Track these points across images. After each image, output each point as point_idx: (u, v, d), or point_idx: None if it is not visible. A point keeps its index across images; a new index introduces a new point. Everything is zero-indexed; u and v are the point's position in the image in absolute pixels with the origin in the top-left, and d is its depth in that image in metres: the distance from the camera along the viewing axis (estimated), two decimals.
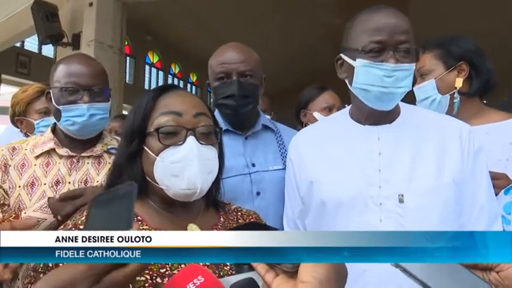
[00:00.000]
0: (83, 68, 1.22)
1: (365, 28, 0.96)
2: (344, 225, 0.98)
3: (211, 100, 1.42)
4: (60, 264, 0.62)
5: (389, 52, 0.94)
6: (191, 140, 0.76)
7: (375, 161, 1.00)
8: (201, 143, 0.77)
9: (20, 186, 1.18)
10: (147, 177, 0.80)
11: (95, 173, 1.25)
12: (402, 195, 0.96)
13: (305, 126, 1.93)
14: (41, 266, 0.66)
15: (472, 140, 1.04)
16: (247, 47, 1.39)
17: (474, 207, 1.00)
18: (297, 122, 2.08)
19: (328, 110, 1.95)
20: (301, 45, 9.26)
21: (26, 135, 1.82)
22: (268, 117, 2.51)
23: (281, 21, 8.93)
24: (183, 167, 0.75)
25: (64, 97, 1.20)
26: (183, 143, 0.76)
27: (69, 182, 1.21)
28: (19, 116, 1.83)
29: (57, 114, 1.23)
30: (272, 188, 1.28)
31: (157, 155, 0.76)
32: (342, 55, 1.02)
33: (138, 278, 0.64)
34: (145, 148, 0.78)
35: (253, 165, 1.34)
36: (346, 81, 1.03)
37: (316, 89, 2.04)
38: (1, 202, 1.17)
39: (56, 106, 1.21)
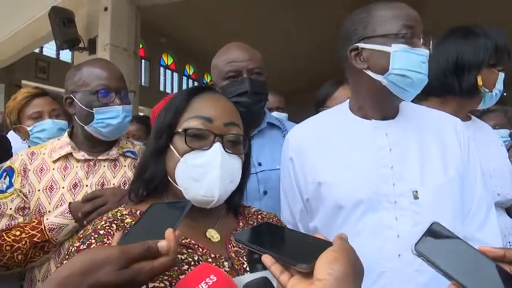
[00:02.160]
0: (110, 72, 1.26)
1: (393, 15, 0.94)
2: (358, 225, 0.95)
3: None
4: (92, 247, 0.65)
5: (419, 39, 0.93)
6: (217, 146, 0.74)
7: (387, 158, 0.97)
8: (227, 151, 0.75)
9: (39, 190, 1.20)
10: (169, 177, 0.78)
11: (111, 175, 1.27)
12: (416, 192, 0.94)
13: None
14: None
15: (465, 132, 1.05)
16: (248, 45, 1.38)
17: (473, 199, 1.02)
18: None
19: None
20: (314, 43, 9.19)
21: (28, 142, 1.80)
22: (285, 115, 2.49)
23: (294, 20, 8.88)
24: (204, 172, 0.74)
25: (98, 100, 1.22)
26: (209, 148, 0.74)
27: (87, 185, 1.23)
28: (15, 123, 1.81)
29: (87, 117, 1.24)
30: (279, 186, 1.27)
31: (181, 156, 0.75)
32: (359, 44, 0.97)
33: (156, 285, 0.63)
34: (171, 147, 0.77)
35: (260, 164, 1.33)
36: (369, 72, 0.97)
37: (332, 84, 1.96)
38: (21, 205, 1.20)
39: (87, 109, 1.23)
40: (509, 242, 1.29)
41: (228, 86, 1.32)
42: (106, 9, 4.43)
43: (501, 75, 1.24)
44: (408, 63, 0.92)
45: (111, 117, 1.23)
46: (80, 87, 1.24)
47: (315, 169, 1.03)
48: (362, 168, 0.98)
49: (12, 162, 1.25)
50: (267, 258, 0.55)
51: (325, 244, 0.56)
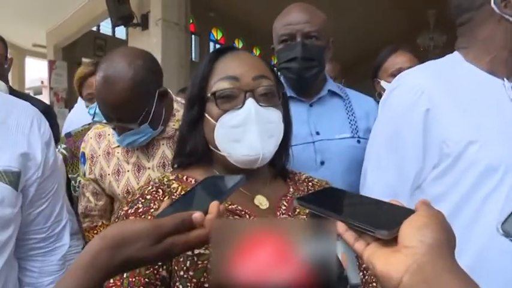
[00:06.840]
0: (108, 101, 1.06)
1: None
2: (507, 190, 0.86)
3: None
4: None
5: None
6: (250, 102, 0.71)
7: None
8: (261, 105, 0.72)
9: (109, 174, 1.22)
10: (210, 146, 0.76)
11: (170, 154, 1.19)
12: None
13: (378, 96, 1.71)
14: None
15: None
16: (314, 7, 1.27)
17: None
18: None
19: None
20: (373, 11, 8.65)
21: None
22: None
23: None
24: (242, 131, 0.71)
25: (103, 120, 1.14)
26: (241, 106, 0.71)
27: (149, 168, 1.20)
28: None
29: None
30: (338, 157, 1.18)
31: (216, 121, 0.73)
32: None
33: (202, 251, 0.63)
34: (206, 114, 0.75)
35: (318, 133, 1.24)
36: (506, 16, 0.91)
37: (387, 51, 1.74)
38: (94, 191, 1.30)
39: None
40: None
41: (281, 50, 1.24)
42: None
43: None
44: None
45: (117, 140, 1.18)
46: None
47: (461, 126, 0.90)
48: (508, 129, 0.89)
49: (83, 147, 1.29)
50: (339, 225, 0.50)
51: (406, 210, 0.49)
